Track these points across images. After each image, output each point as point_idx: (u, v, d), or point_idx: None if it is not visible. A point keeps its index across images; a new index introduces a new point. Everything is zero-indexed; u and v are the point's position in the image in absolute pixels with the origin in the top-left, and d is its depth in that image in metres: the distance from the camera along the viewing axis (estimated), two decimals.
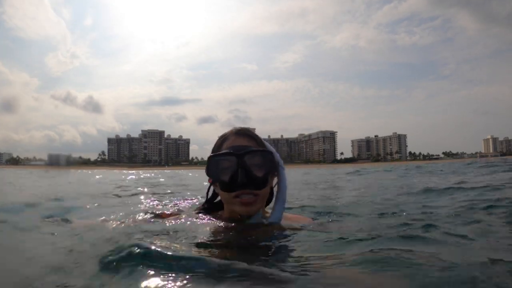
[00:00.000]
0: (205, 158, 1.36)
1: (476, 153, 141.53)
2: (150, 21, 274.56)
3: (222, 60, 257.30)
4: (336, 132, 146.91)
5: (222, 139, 1.30)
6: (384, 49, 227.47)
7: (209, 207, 1.42)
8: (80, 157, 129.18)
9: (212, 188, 1.43)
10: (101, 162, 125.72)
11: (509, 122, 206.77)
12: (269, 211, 1.32)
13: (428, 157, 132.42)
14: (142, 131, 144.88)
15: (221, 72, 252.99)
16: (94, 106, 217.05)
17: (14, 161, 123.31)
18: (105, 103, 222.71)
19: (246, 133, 1.29)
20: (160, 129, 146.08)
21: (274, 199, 1.31)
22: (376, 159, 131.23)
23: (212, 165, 1.22)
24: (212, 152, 1.27)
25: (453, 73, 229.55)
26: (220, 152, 1.23)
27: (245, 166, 1.15)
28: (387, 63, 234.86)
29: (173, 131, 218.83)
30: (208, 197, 1.45)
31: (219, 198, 1.39)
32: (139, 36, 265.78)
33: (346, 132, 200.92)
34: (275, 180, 1.33)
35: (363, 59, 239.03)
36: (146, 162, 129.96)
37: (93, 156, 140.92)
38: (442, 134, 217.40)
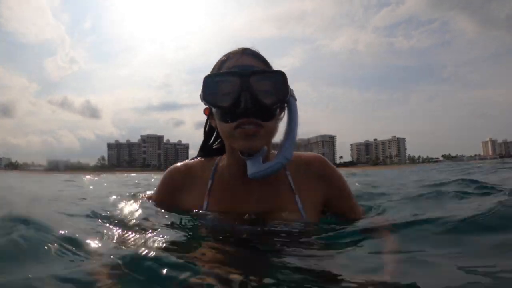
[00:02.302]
0: None
1: (475, 155, 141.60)
2: (149, 25, 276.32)
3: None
4: (335, 136, 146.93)
5: (223, 59, 1.00)
6: (382, 52, 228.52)
7: (205, 154, 1.15)
8: (79, 162, 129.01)
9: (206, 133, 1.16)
10: (101, 168, 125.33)
11: (508, 124, 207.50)
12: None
13: (428, 160, 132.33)
14: (141, 136, 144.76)
15: None
16: (92, 111, 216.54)
17: (13, 166, 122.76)
18: (103, 108, 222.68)
19: (253, 53, 1.00)
20: (158, 134, 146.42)
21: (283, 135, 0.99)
22: (376, 162, 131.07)
23: (208, 87, 0.93)
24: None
25: (452, 76, 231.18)
26: (220, 72, 0.96)
27: (250, 89, 0.88)
28: (385, 66, 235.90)
29: (171, 135, 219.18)
30: (206, 140, 1.16)
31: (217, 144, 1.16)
32: (138, 40, 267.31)
33: (345, 135, 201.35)
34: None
35: (362, 62, 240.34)
36: (145, 167, 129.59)
37: (92, 161, 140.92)
38: (441, 137, 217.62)
